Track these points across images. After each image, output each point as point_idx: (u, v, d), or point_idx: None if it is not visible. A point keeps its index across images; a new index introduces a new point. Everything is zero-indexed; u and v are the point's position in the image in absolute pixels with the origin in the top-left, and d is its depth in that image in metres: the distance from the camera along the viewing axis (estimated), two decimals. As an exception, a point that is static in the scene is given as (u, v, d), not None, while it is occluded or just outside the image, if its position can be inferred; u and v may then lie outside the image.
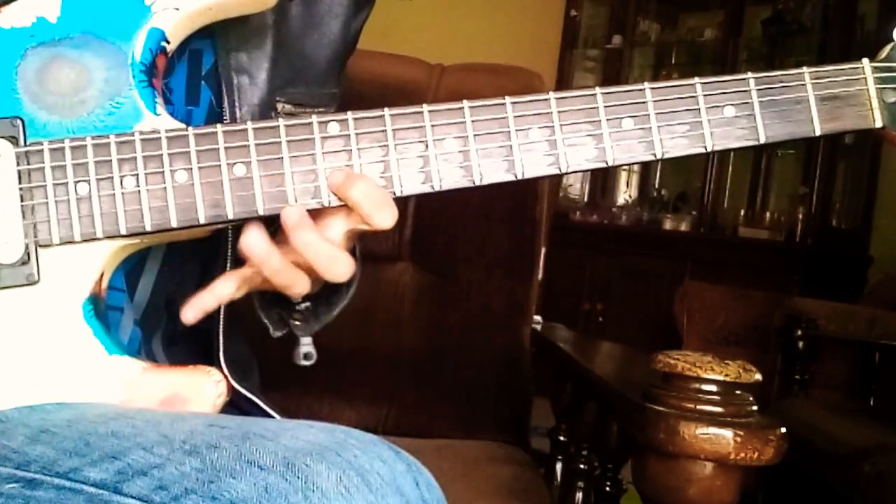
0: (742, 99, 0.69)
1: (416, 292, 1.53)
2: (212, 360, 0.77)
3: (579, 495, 1.36)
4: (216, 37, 0.76)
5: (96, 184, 0.64)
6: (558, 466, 1.55)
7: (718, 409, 0.86)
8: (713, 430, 0.84)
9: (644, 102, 0.68)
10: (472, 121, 0.67)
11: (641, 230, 4.61)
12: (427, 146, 0.67)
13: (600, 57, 5.10)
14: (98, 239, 0.64)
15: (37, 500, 0.53)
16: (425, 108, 0.67)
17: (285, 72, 0.80)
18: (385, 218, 0.66)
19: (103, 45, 0.67)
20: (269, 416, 0.79)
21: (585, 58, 5.11)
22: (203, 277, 0.81)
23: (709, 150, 0.69)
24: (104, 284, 0.67)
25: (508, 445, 1.45)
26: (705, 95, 0.68)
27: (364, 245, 0.84)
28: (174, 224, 0.65)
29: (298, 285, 0.68)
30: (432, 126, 0.67)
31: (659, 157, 0.68)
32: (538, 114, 0.67)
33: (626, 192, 4.98)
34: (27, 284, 0.64)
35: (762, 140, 0.69)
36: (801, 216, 4.09)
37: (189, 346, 0.83)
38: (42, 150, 0.64)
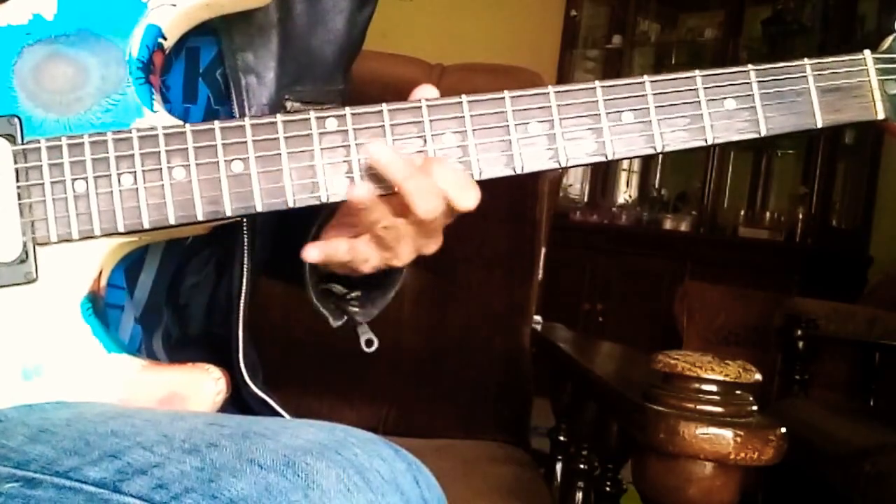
0: (743, 91, 0.69)
1: (416, 292, 1.53)
2: (224, 363, 0.77)
3: (579, 495, 1.36)
4: (221, 38, 0.76)
5: (94, 181, 0.64)
6: (558, 466, 1.54)
7: (718, 409, 0.86)
8: (713, 430, 0.84)
9: (644, 96, 0.68)
10: (471, 115, 0.67)
11: (641, 230, 4.61)
12: (425, 141, 0.66)
13: (600, 57, 5.10)
14: (96, 237, 0.64)
15: (36, 500, 0.53)
16: (423, 102, 0.66)
17: (292, 70, 0.79)
18: (469, 199, 0.66)
19: (100, 43, 0.67)
20: (281, 417, 0.79)
21: (585, 58, 5.11)
22: (219, 281, 0.81)
23: (709, 142, 0.68)
24: (103, 282, 0.67)
25: (508, 445, 1.45)
26: (705, 88, 0.68)
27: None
28: (172, 221, 0.65)
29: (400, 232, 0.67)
30: (431, 121, 0.66)
31: (659, 150, 0.68)
32: (537, 108, 0.67)
33: (626, 192, 4.98)
34: (25, 283, 0.64)
35: (763, 132, 0.69)
36: (801, 216, 4.09)
37: (199, 349, 0.83)
38: (39, 148, 0.64)
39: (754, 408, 0.88)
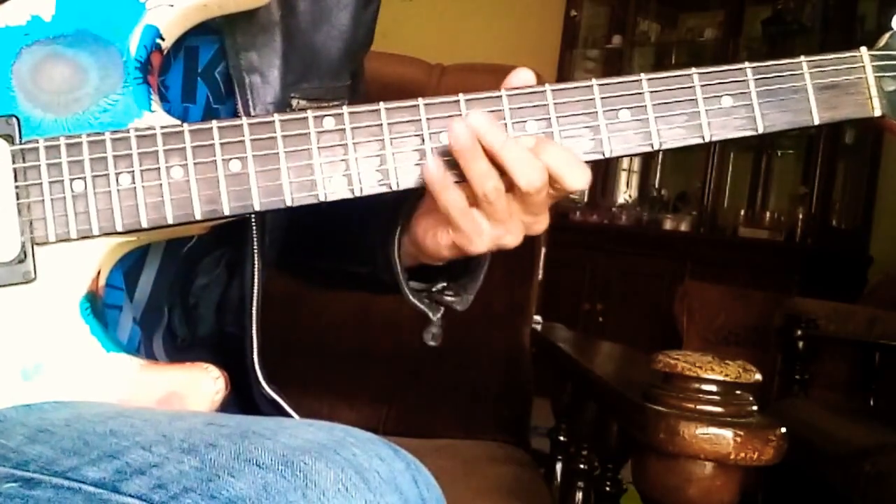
0: (739, 89, 0.69)
1: (415, 292, 1.53)
2: (235, 363, 0.77)
3: (579, 495, 1.36)
4: (223, 37, 0.76)
5: (92, 181, 0.64)
6: (558, 466, 1.54)
7: (718, 409, 0.86)
8: (713, 430, 0.83)
9: (641, 94, 0.68)
10: (468, 114, 0.67)
11: (641, 230, 4.61)
12: (423, 140, 0.66)
13: (600, 57, 5.10)
14: (94, 236, 0.64)
15: (35, 500, 0.53)
16: (421, 101, 0.66)
17: (297, 67, 0.79)
18: (579, 178, 0.66)
19: (98, 43, 0.67)
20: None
21: (585, 58, 5.11)
22: (230, 280, 0.81)
23: (706, 140, 0.68)
24: (101, 282, 0.67)
25: (508, 445, 1.44)
26: (702, 86, 0.68)
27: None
28: (170, 220, 0.65)
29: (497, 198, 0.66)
30: (428, 119, 0.66)
31: (656, 147, 0.68)
32: (534, 106, 0.67)
33: (626, 192, 4.98)
34: (24, 282, 0.64)
35: (760, 129, 0.69)
36: (801, 216, 4.09)
37: (207, 350, 0.83)
38: (38, 148, 0.64)
39: (754, 408, 0.88)
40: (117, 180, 0.64)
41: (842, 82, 0.69)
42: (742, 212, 4.36)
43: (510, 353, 1.52)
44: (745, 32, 4.49)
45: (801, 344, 2.79)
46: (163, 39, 0.68)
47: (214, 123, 0.65)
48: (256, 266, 0.76)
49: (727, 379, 0.87)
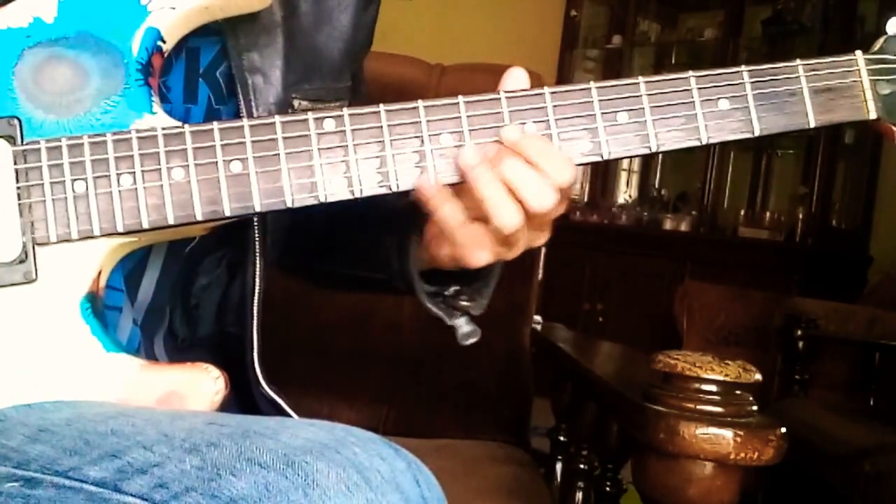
0: (736, 92, 0.69)
1: (416, 292, 1.53)
2: (236, 362, 0.77)
3: (579, 495, 1.36)
4: (225, 38, 0.76)
5: (93, 182, 0.64)
6: (558, 466, 1.55)
7: (718, 409, 0.86)
8: (713, 430, 0.84)
9: (639, 96, 0.68)
10: (468, 116, 0.67)
11: (641, 230, 4.61)
12: (423, 141, 0.67)
13: (600, 57, 5.10)
14: (95, 237, 0.64)
15: (37, 499, 0.53)
16: (420, 103, 0.67)
17: (299, 68, 0.79)
18: (564, 173, 0.66)
19: (99, 45, 0.67)
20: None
21: (585, 58, 5.11)
22: (231, 281, 0.81)
23: (704, 142, 0.69)
24: (102, 283, 0.67)
25: (508, 445, 1.45)
26: (699, 89, 0.69)
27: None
28: (171, 221, 0.65)
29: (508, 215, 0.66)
30: (428, 121, 0.67)
31: (654, 149, 0.68)
32: (533, 108, 0.68)
33: (626, 192, 4.98)
34: (25, 282, 0.64)
35: (757, 132, 0.69)
36: (801, 216, 4.09)
37: (207, 350, 0.83)
38: (39, 149, 0.64)
39: (754, 408, 0.88)
40: (118, 181, 0.64)
41: (837, 85, 0.70)
42: (742, 212, 4.36)
43: (510, 353, 1.52)
44: (745, 32, 4.49)
45: (801, 344, 2.79)
46: (164, 42, 0.69)
47: (215, 125, 0.66)
48: (258, 266, 0.77)
49: (727, 379, 0.87)
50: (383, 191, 0.67)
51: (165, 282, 0.79)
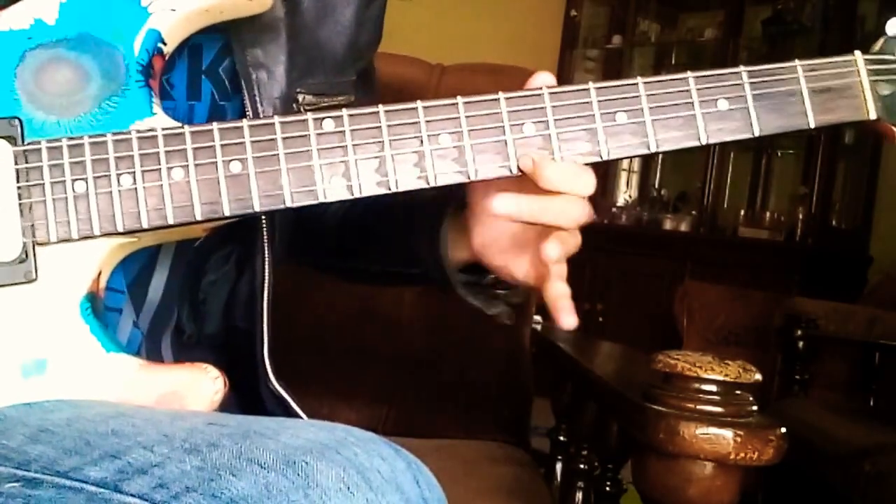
0: (735, 92, 0.69)
1: (416, 292, 1.53)
2: (244, 359, 0.77)
3: (579, 495, 1.36)
4: (228, 34, 0.76)
5: (93, 182, 0.64)
6: (558, 466, 1.55)
7: (718, 409, 0.86)
8: (713, 430, 0.84)
9: (637, 97, 0.68)
10: (467, 116, 0.67)
11: (641, 230, 4.61)
12: (422, 142, 0.67)
13: (600, 57, 5.10)
14: (95, 236, 0.65)
15: (37, 500, 0.53)
16: (419, 104, 0.67)
17: (302, 63, 0.80)
18: (585, 187, 0.67)
19: (100, 47, 0.67)
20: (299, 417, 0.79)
21: (585, 58, 5.11)
22: (239, 278, 0.81)
23: (703, 142, 0.69)
24: (102, 284, 0.67)
25: (508, 445, 1.45)
26: (698, 89, 0.69)
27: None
28: (171, 221, 0.65)
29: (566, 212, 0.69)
30: (427, 122, 0.67)
31: (653, 150, 0.69)
32: (532, 108, 0.68)
33: (626, 192, 4.98)
34: (25, 282, 0.64)
35: (756, 133, 0.69)
36: (801, 216, 4.09)
37: (213, 347, 0.83)
38: (40, 150, 0.64)
39: (754, 408, 0.88)
40: (118, 181, 0.64)
41: (837, 86, 0.70)
42: (742, 212, 4.36)
43: (510, 353, 1.52)
44: (745, 32, 4.49)
45: (801, 344, 2.79)
46: (165, 44, 0.69)
47: (215, 125, 0.66)
48: (267, 261, 0.77)
49: (727, 379, 0.87)
50: (382, 191, 0.67)
51: (174, 280, 0.79)
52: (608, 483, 1.21)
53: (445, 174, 0.67)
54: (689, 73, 0.69)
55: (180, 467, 0.52)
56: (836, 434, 2.32)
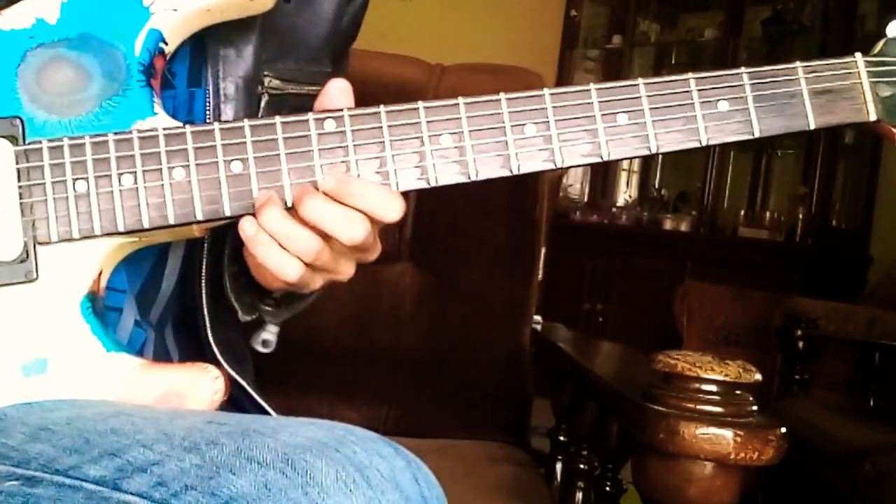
0: (736, 93, 0.69)
1: (416, 292, 1.53)
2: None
3: (579, 495, 1.36)
4: None
5: (94, 181, 0.64)
6: (558, 466, 1.54)
7: (718, 409, 0.86)
8: (713, 430, 0.84)
9: (638, 98, 0.69)
10: (468, 117, 0.67)
11: (641, 230, 4.61)
12: (423, 142, 0.67)
13: (600, 57, 5.10)
14: (96, 236, 0.65)
15: (37, 498, 0.53)
16: (420, 105, 0.67)
17: (275, 46, 0.79)
18: (392, 212, 0.66)
19: (102, 46, 0.67)
20: (260, 405, 0.79)
21: (585, 58, 5.12)
22: (189, 257, 0.80)
23: (703, 144, 0.69)
24: (102, 283, 0.67)
25: (508, 445, 1.45)
26: (699, 90, 0.69)
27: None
28: (172, 221, 0.65)
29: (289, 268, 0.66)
30: (428, 122, 0.67)
31: (654, 151, 0.69)
32: (533, 109, 0.68)
33: (626, 192, 4.98)
34: (26, 282, 0.64)
35: (756, 134, 0.70)
36: (801, 216, 4.09)
37: (186, 332, 0.83)
38: (41, 149, 0.64)
39: (754, 408, 0.88)
40: (120, 181, 0.65)
41: (837, 87, 0.70)
42: (742, 212, 4.36)
43: (510, 353, 1.52)
44: (745, 32, 4.49)
45: (801, 344, 2.79)
46: (166, 44, 0.69)
47: (216, 125, 0.66)
48: (206, 237, 0.75)
49: (727, 379, 0.87)
50: None
51: (185, 274, 0.79)
52: (608, 483, 1.21)
53: (446, 174, 0.67)
54: (689, 75, 0.69)
55: (179, 465, 0.52)
56: (836, 434, 2.32)
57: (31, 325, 0.64)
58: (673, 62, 4.88)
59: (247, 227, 0.64)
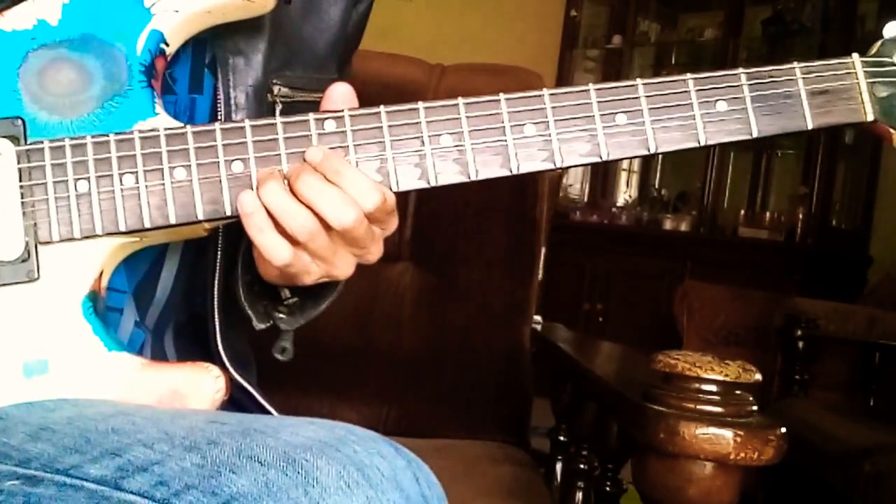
0: (734, 94, 0.70)
1: (416, 292, 1.53)
2: (211, 351, 0.77)
3: (579, 495, 1.36)
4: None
5: (96, 181, 0.64)
6: (558, 466, 1.54)
7: (718, 409, 0.86)
8: (713, 430, 0.84)
9: (637, 98, 0.69)
10: (468, 117, 0.67)
11: (641, 230, 4.61)
12: (423, 142, 0.67)
13: (600, 57, 5.10)
14: (98, 236, 0.65)
15: (37, 497, 0.53)
16: (421, 105, 0.67)
17: (282, 54, 0.79)
18: (367, 199, 0.65)
19: (103, 47, 0.67)
20: (266, 411, 0.79)
21: (585, 58, 5.11)
22: (196, 263, 0.80)
23: (702, 144, 0.69)
24: (104, 283, 0.67)
25: (508, 445, 1.45)
26: (697, 91, 0.69)
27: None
28: (173, 221, 0.65)
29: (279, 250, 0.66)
30: (428, 123, 0.67)
31: (652, 151, 0.69)
32: (532, 109, 0.68)
33: (626, 192, 4.98)
34: (27, 281, 0.64)
35: (754, 134, 0.70)
36: (801, 216, 4.09)
37: (191, 338, 0.83)
38: (43, 149, 0.65)
39: (754, 408, 0.88)
40: (121, 181, 0.65)
41: (834, 88, 0.70)
42: (742, 212, 4.36)
43: (510, 353, 1.52)
44: (745, 32, 4.49)
45: (801, 344, 2.79)
46: (167, 45, 0.69)
47: (217, 125, 0.66)
48: (220, 245, 0.75)
49: (727, 379, 0.87)
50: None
51: (181, 277, 0.79)
52: (608, 483, 1.21)
53: (446, 174, 0.68)
54: (688, 75, 0.70)
55: (180, 465, 0.52)
56: (836, 434, 2.32)
57: (33, 325, 0.64)
58: (673, 62, 4.87)
59: (246, 202, 0.64)
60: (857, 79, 0.71)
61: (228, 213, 0.66)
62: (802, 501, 2.49)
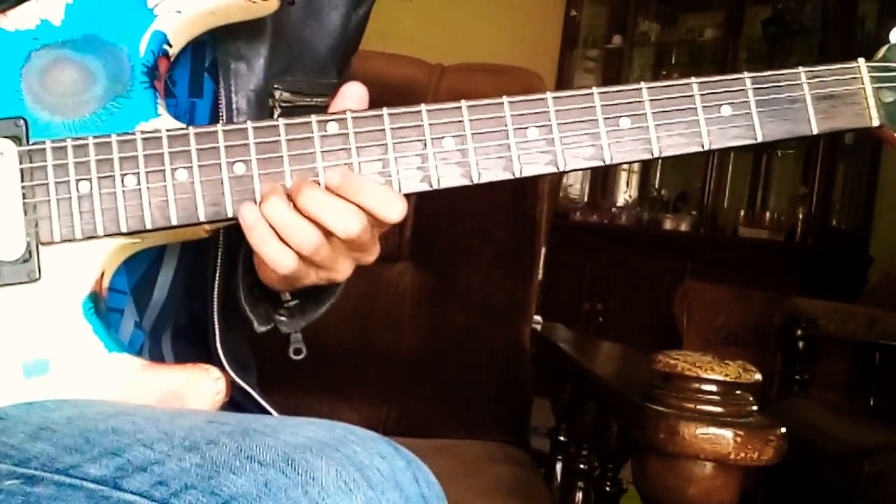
0: (738, 98, 0.69)
1: (416, 292, 1.53)
2: (210, 353, 0.77)
3: (579, 495, 1.36)
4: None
5: (98, 182, 0.64)
6: (558, 466, 1.54)
7: (718, 409, 0.86)
8: (713, 430, 0.84)
9: (641, 102, 0.69)
10: (470, 120, 0.67)
11: (641, 230, 4.61)
12: (425, 145, 0.67)
13: (600, 57, 5.10)
14: (99, 236, 0.65)
15: (37, 497, 0.53)
16: (423, 107, 0.67)
17: (284, 59, 0.80)
18: (393, 211, 0.65)
19: (106, 48, 0.67)
20: (266, 411, 0.79)
21: (585, 58, 5.11)
22: (195, 266, 0.80)
23: (706, 148, 0.69)
24: (105, 284, 0.67)
25: (508, 445, 1.45)
26: (702, 95, 0.69)
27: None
28: (175, 222, 0.65)
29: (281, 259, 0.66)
30: (430, 125, 0.67)
31: (656, 155, 0.69)
32: (535, 113, 0.68)
33: (626, 192, 4.98)
34: (28, 282, 0.64)
35: (759, 139, 0.70)
36: (801, 216, 4.09)
37: (190, 340, 0.83)
38: (44, 149, 0.65)
39: (754, 408, 0.88)
40: (123, 182, 0.65)
41: (840, 93, 0.70)
42: (742, 212, 4.36)
43: (510, 353, 1.52)
44: (745, 32, 4.49)
45: (801, 344, 2.78)
46: (170, 45, 0.69)
47: (219, 127, 0.66)
48: (220, 248, 0.75)
49: (727, 379, 0.87)
50: None
51: (179, 279, 0.79)
52: (608, 483, 1.21)
53: (448, 177, 0.67)
54: (692, 79, 0.69)
55: (180, 465, 0.52)
56: (836, 434, 2.32)
57: (33, 326, 0.64)
58: (673, 62, 4.87)
59: (247, 215, 0.64)
60: (863, 84, 0.70)
61: (230, 214, 0.66)
62: (802, 501, 2.49)
